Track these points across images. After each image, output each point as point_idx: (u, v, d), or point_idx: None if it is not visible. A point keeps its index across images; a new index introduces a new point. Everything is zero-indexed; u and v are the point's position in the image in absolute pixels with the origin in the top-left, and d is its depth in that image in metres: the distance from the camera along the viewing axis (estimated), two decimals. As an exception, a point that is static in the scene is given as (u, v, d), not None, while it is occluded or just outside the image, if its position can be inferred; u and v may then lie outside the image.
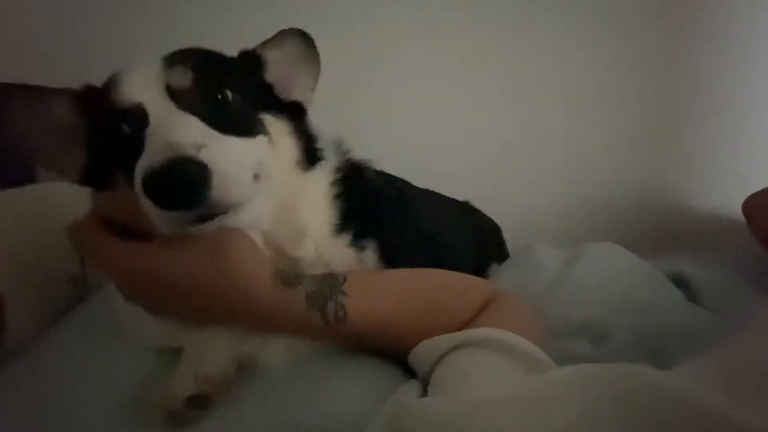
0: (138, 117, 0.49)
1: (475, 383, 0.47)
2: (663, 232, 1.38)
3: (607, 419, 0.32)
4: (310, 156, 0.60)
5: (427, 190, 1.00)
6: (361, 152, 0.78)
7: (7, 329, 0.60)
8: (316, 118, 0.66)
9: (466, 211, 1.12)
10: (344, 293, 0.55)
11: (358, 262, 0.61)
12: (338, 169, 0.63)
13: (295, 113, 0.61)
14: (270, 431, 0.50)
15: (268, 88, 0.61)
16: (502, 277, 0.98)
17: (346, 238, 0.60)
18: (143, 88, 0.50)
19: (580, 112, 1.39)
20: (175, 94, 0.51)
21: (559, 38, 1.34)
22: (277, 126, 0.57)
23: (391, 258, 0.63)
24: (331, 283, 0.56)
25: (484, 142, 1.40)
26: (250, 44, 0.63)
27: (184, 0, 1.24)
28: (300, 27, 0.65)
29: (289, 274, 0.55)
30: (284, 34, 0.63)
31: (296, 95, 0.63)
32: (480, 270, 1.04)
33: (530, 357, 0.51)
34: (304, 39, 0.63)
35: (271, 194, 0.54)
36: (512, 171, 1.41)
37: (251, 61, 0.61)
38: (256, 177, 0.51)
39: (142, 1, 1.23)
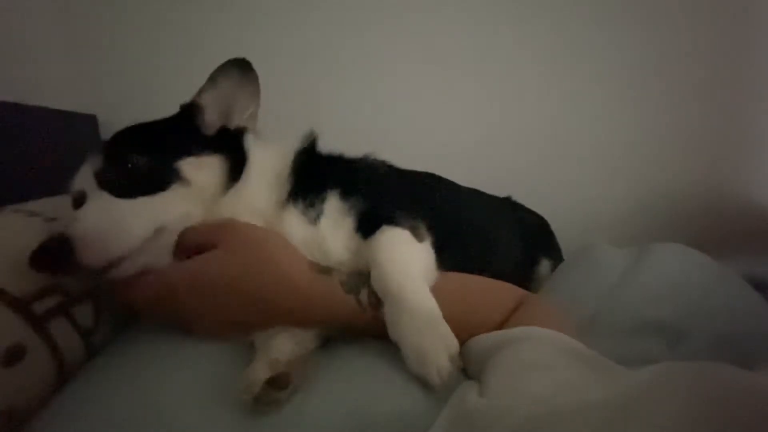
0: (82, 199, 0.60)
1: (535, 382, 0.46)
2: (735, 234, 1.31)
3: (699, 423, 0.31)
4: (235, 172, 0.65)
5: (469, 188, 1.00)
6: (407, 156, 0.80)
7: (101, 322, 0.65)
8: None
9: (508, 206, 1.11)
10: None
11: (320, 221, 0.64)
12: (297, 155, 0.69)
13: (224, 138, 0.68)
14: (342, 423, 0.51)
15: (194, 132, 0.67)
16: (562, 275, 0.96)
17: (296, 206, 0.65)
18: (83, 178, 0.61)
19: (645, 109, 1.34)
20: (96, 178, 0.60)
21: (624, 34, 1.30)
22: (196, 164, 0.63)
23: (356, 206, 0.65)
24: (359, 274, 0.62)
25: (543, 142, 1.37)
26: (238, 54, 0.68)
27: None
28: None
29: (322, 266, 0.62)
30: (217, 73, 0.68)
31: (234, 121, 0.69)
32: (529, 264, 1.04)
33: (585, 355, 0.50)
34: (239, 68, 0.68)
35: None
36: (572, 171, 1.37)
37: (187, 111, 0.68)
38: (159, 230, 0.58)
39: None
